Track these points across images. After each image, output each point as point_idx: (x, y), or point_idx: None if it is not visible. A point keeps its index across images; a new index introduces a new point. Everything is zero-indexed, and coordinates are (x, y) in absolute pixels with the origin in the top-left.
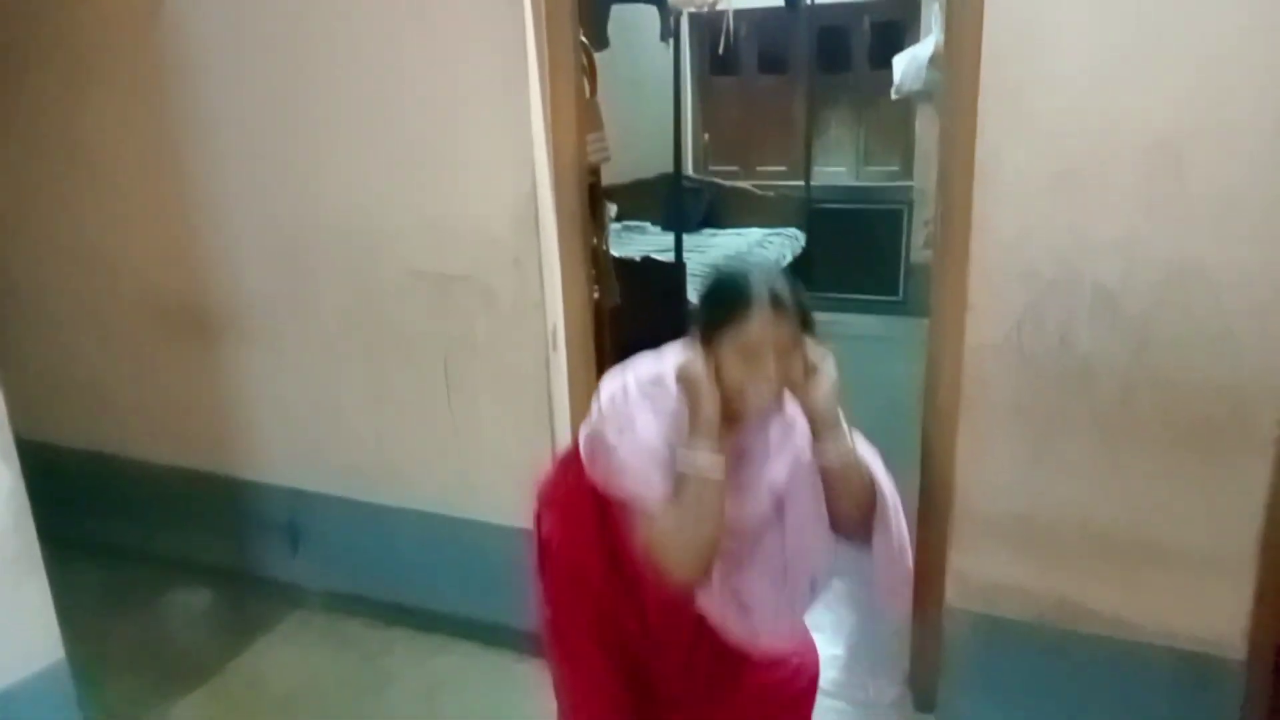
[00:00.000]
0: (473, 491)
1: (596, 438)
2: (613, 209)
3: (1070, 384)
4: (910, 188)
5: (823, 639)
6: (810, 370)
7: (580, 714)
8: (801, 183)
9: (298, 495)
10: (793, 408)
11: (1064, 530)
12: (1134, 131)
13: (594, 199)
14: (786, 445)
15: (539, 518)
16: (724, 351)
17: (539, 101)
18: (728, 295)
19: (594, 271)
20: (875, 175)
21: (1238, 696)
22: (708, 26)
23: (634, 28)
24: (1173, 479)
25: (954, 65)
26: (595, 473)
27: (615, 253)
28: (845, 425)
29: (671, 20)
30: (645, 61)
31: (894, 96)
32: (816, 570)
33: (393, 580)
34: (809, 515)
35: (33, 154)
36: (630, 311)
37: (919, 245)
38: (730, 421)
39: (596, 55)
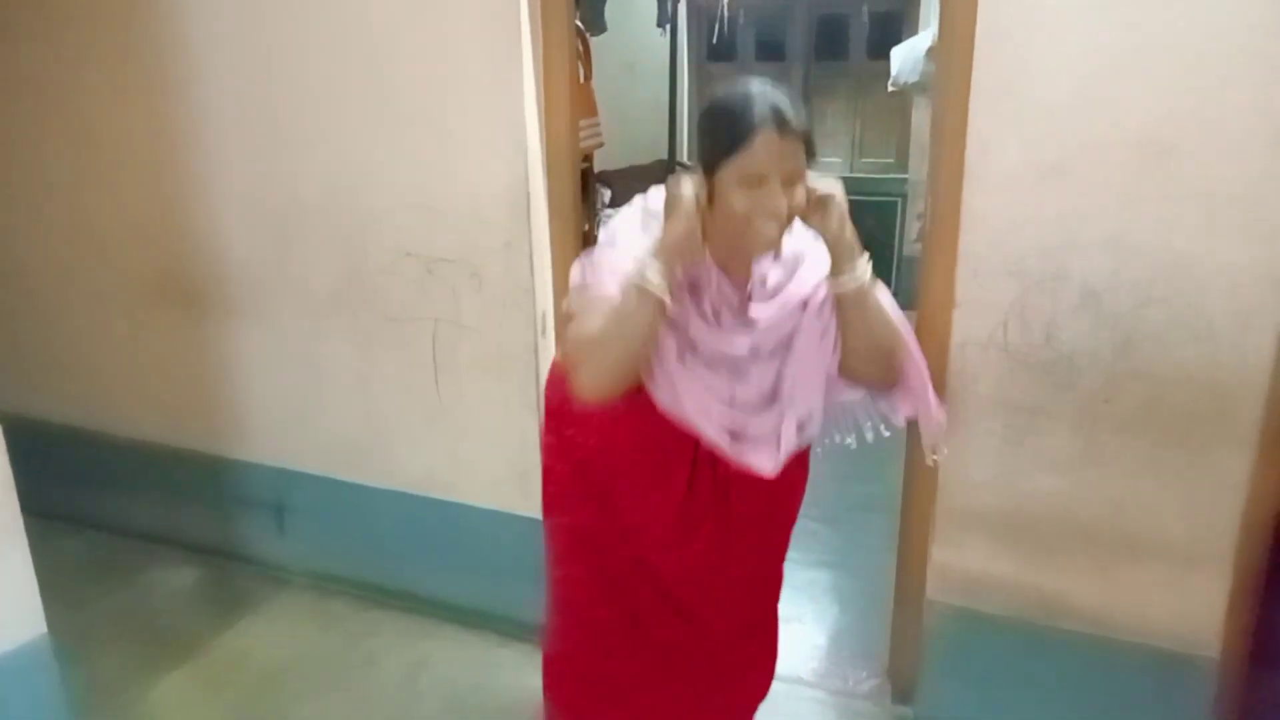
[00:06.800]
0: (459, 475)
1: (587, 255)
2: (606, 194)
3: (1054, 380)
4: (905, 180)
5: (804, 629)
6: (820, 199)
7: (562, 568)
8: None
9: (284, 475)
10: (800, 243)
11: (1045, 525)
12: (1125, 127)
13: (586, 184)
14: (791, 282)
15: (549, 393)
16: (726, 181)
17: (532, 86)
18: (728, 120)
19: None
20: (870, 167)
21: (1211, 694)
22: (705, 13)
23: (631, 13)
24: (1153, 475)
25: (946, 58)
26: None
27: None
28: (862, 254)
29: (669, 6)
30: (641, 47)
31: (891, 89)
32: (809, 409)
33: (378, 562)
34: (811, 350)
35: (24, 126)
36: None
37: (912, 238)
38: (737, 256)
39: (593, 40)
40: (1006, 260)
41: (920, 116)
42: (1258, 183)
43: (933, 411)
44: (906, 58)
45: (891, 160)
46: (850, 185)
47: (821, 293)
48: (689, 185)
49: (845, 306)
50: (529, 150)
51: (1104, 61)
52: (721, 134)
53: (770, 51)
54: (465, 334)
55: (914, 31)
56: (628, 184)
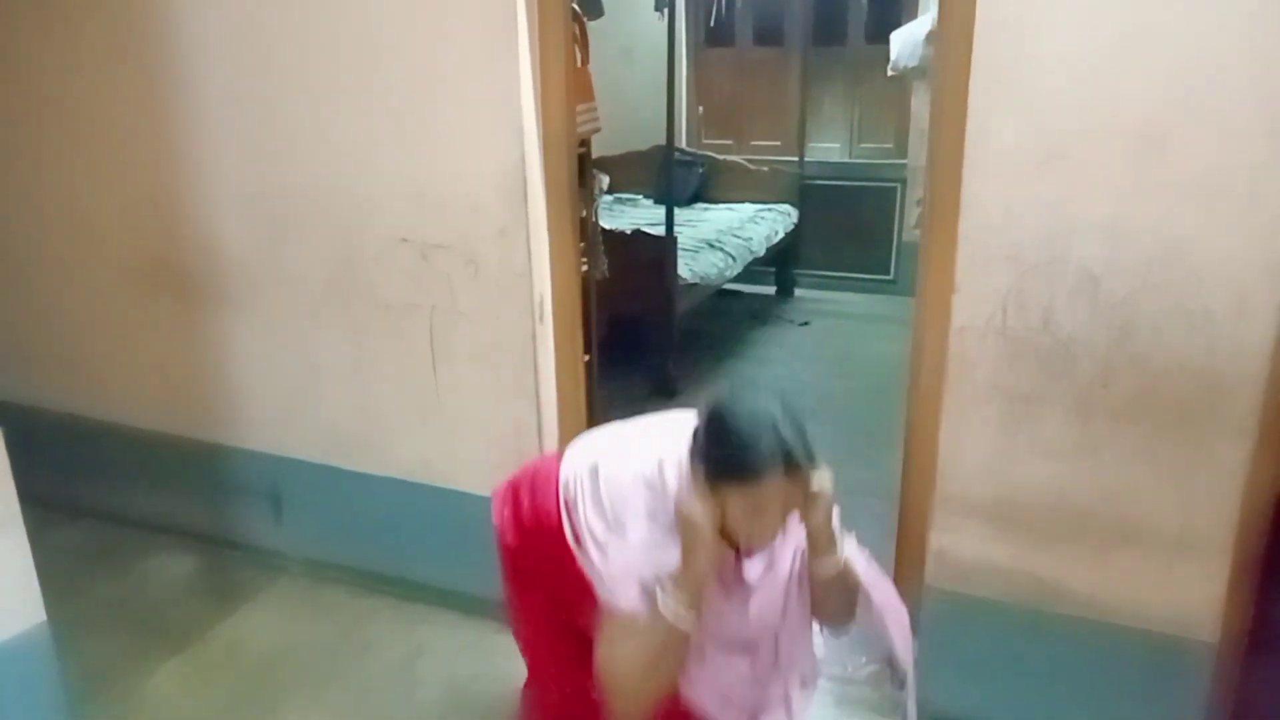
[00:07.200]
0: (455, 461)
1: (586, 520)
2: (604, 180)
3: (1051, 366)
4: (903, 166)
5: None
6: (810, 495)
7: (530, 650)
8: (795, 158)
9: (280, 462)
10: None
11: (1042, 511)
12: (1123, 114)
13: (583, 170)
14: (778, 567)
15: (508, 528)
16: (729, 498)
17: (529, 70)
18: (738, 451)
19: (582, 243)
20: (869, 153)
21: (1207, 679)
22: None
23: None
24: (1150, 462)
25: (946, 42)
26: (579, 553)
27: (605, 225)
28: (840, 538)
29: None
30: (639, 31)
31: (890, 73)
32: (807, 670)
33: (375, 549)
34: (799, 624)
35: (17, 115)
36: (618, 284)
37: (910, 224)
38: (730, 545)
39: (589, 24)
40: (1005, 245)
41: (919, 102)
42: (1256, 172)
43: (899, 651)
44: (906, 42)
45: (890, 145)
46: (849, 171)
47: (799, 562)
48: (704, 515)
49: (822, 586)
50: (525, 136)
51: (1103, 48)
52: (729, 462)
53: (768, 36)
54: (461, 321)
55: (913, 15)
56: (626, 169)
